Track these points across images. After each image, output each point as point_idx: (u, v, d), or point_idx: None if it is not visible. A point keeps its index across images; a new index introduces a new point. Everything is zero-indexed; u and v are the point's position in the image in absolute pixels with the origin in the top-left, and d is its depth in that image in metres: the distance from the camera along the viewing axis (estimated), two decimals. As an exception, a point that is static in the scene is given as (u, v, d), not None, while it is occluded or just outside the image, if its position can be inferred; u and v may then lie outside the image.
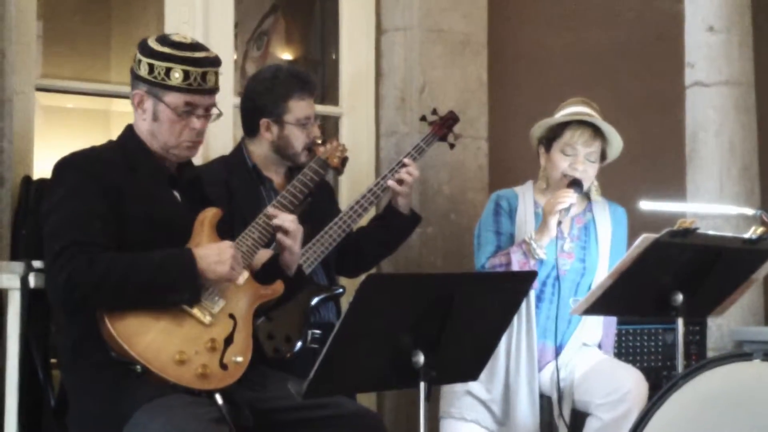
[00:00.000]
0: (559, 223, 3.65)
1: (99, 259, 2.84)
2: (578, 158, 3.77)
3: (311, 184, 3.33)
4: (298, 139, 3.74)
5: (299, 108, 3.73)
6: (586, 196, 3.87)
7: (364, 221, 3.86)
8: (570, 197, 3.65)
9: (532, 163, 4.05)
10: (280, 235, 3.12)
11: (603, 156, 3.85)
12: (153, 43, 3.01)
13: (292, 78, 3.78)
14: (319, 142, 3.61)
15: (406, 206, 3.83)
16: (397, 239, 3.93)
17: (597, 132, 3.77)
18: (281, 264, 3.15)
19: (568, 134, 3.76)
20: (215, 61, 3.05)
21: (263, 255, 3.17)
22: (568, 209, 3.67)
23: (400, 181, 3.75)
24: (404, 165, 3.76)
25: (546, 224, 3.65)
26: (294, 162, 3.76)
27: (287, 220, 3.12)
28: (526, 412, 3.62)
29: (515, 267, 3.63)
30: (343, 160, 3.58)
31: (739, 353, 2.99)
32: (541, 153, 3.86)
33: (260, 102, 3.75)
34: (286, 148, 3.75)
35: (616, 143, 3.83)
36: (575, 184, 3.71)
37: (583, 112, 3.78)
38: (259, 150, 3.79)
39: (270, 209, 3.18)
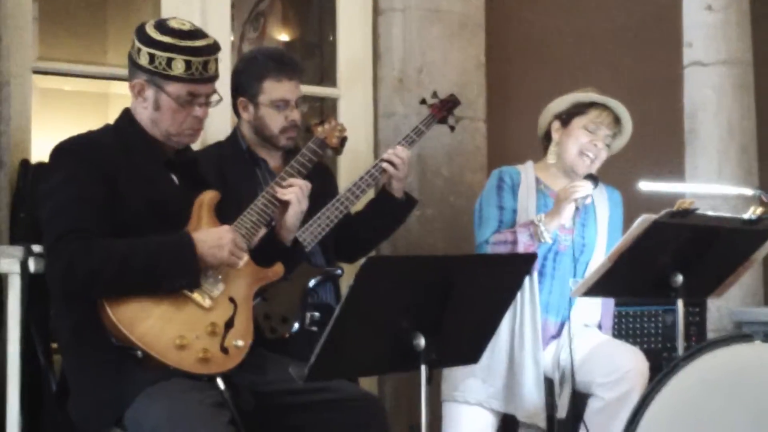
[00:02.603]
0: (577, 209, 3.66)
1: (96, 245, 2.82)
2: (599, 137, 3.82)
3: (309, 164, 3.32)
4: (273, 121, 3.73)
5: (274, 89, 3.72)
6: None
7: (360, 204, 3.86)
8: (587, 188, 3.67)
9: (530, 144, 4.05)
10: (288, 194, 3.12)
11: None
12: (152, 31, 2.98)
13: (269, 59, 3.77)
14: (317, 122, 3.59)
15: (399, 190, 3.81)
16: (392, 223, 3.92)
17: (616, 121, 3.85)
18: (281, 230, 3.16)
19: (594, 113, 3.83)
20: (215, 48, 3.03)
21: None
22: (584, 199, 3.68)
23: (390, 163, 3.75)
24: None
25: (558, 210, 3.66)
26: (273, 144, 3.76)
27: (298, 180, 3.16)
28: (532, 390, 3.64)
29: (520, 248, 3.64)
30: (342, 140, 3.56)
31: (740, 335, 3.00)
32: (555, 128, 3.89)
33: (238, 80, 3.77)
34: (263, 129, 3.75)
35: (623, 138, 3.90)
36: (591, 178, 3.73)
37: (610, 100, 3.84)
38: (246, 131, 3.79)
39: (282, 174, 3.20)
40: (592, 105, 3.83)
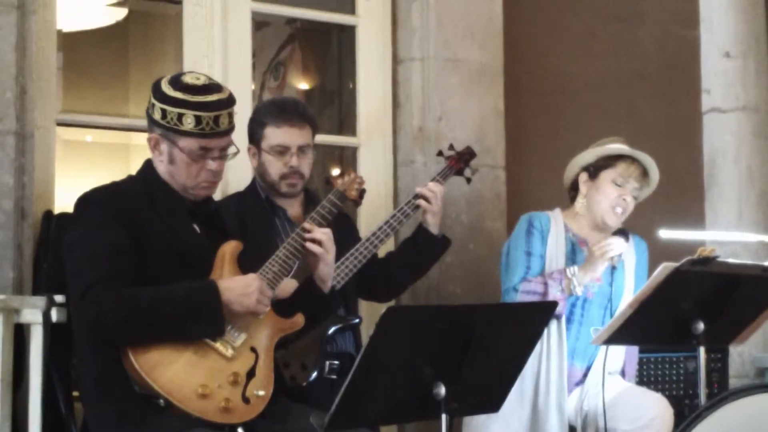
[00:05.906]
0: (614, 268, 3.67)
1: (124, 295, 2.85)
2: (627, 190, 3.81)
3: (329, 216, 3.34)
4: (273, 167, 3.74)
5: (274, 135, 3.73)
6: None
7: (388, 247, 3.87)
8: (621, 246, 3.68)
9: (549, 191, 4.06)
10: (314, 247, 3.11)
11: None
12: (166, 87, 3.00)
13: (271, 106, 3.82)
14: (337, 174, 3.62)
15: (436, 226, 3.84)
16: (427, 262, 3.94)
17: (644, 173, 3.85)
18: (316, 280, 3.15)
19: (622, 166, 3.82)
20: (228, 102, 3.03)
21: (286, 286, 3.18)
22: (618, 256, 3.68)
23: (425, 198, 3.79)
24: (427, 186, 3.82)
25: (593, 266, 3.68)
26: (275, 191, 3.76)
27: (321, 231, 3.14)
28: None
29: (550, 299, 3.63)
30: (361, 192, 3.59)
31: (762, 384, 2.99)
32: (582, 180, 3.88)
33: (249, 129, 3.81)
34: (264, 176, 3.77)
35: (649, 189, 3.90)
36: (622, 234, 3.73)
37: (638, 152, 3.83)
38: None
39: (304, 225, 3.20)
40: (620, 158, 3.82)
